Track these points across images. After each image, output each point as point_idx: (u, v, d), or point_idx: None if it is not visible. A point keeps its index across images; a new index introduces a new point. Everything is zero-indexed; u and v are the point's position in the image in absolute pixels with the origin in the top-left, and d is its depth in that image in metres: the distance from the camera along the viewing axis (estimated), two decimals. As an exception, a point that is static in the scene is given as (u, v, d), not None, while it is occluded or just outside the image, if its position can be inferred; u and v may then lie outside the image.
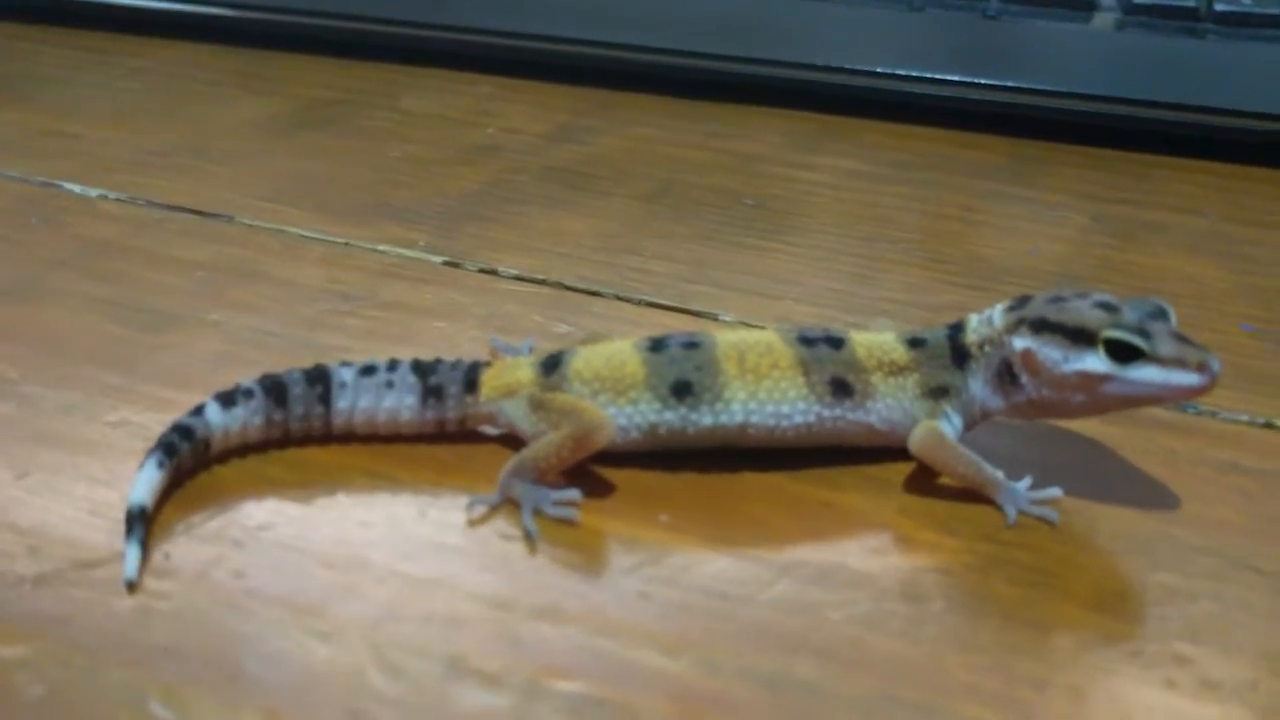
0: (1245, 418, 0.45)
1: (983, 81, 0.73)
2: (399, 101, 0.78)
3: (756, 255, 0.58)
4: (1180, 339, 0.38)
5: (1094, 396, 0.39)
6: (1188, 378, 0.38)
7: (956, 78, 0.74)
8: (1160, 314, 0.39)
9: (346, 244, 0.58)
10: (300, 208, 0.61)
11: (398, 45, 0.82)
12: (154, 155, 0.68)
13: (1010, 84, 0.73)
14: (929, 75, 0.74)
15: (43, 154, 0.67)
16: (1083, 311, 0.39)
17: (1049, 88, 0.72)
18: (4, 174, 0.64)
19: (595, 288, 0.54)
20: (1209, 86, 0.70)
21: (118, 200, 0.62)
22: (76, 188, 0.63)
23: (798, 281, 0.55)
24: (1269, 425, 0.45)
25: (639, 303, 0.53)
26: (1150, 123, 0.71)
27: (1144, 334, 0.38)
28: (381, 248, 0.57)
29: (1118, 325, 0.38)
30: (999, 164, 0.70)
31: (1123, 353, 0.38)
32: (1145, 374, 0.38)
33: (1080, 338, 0.39)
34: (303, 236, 0.58)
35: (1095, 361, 0.39)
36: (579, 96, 0.79)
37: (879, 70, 0.74)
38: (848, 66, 0.75)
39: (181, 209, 0.61)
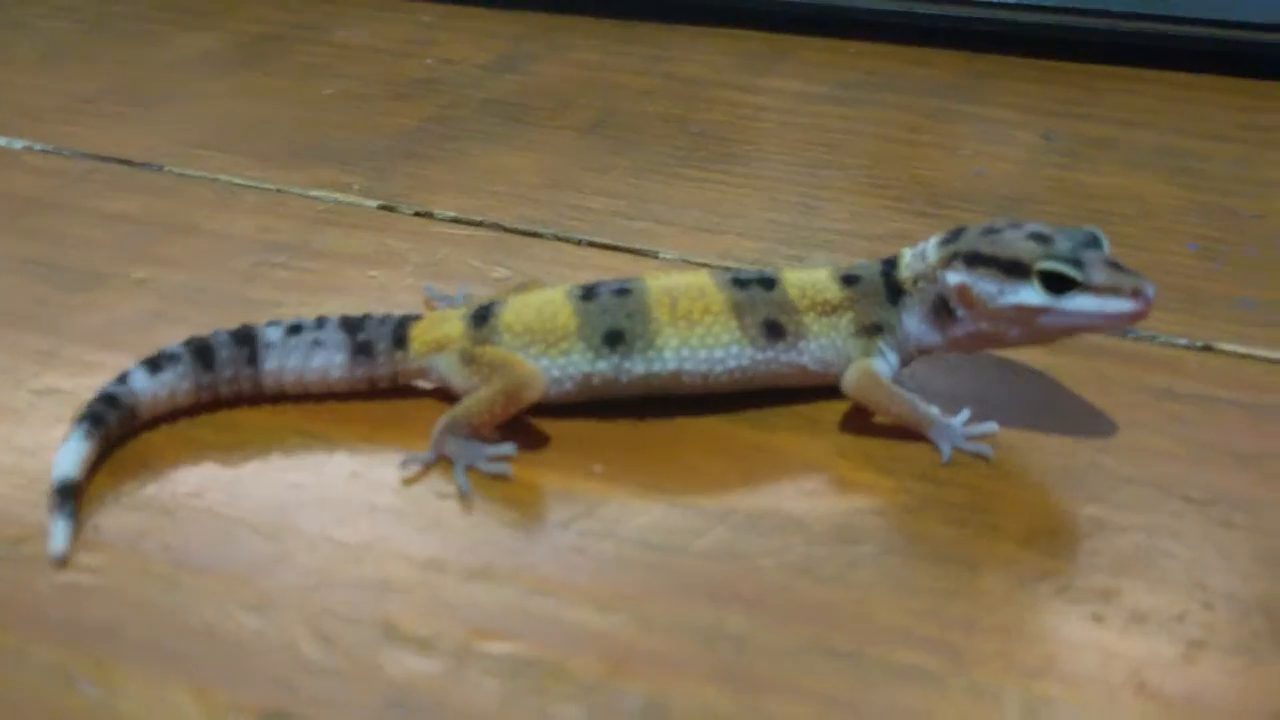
0: (1183, 341, 0.45)
1: (932, -7, 0.72)
2: (334, 34, 0.76)
3: (699, 187, 0.57)
4: (1114, 266, 0.38)
5: (1031, 328, 0.39)
6: (1123, 305, 0.37)
7: (905, -9, 0.72)
8: (1093, 242, 0.39)
9: (279, 190, 0.56)
10: (232, 153, 0.60)
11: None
12: (82, 101, 0.66)
13: (960, -5, 0.71)
14: (876, -11, 0.72)
15: (-37, 103, 0.65)
16: (1016, 243, 0.39)
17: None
18: (-77, 127, 0.62)
19: (534, 228, 0.53)
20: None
21: (43, 151, 0.60)
22: (1, 140, 0.61)
23: (741, 214, 0.55)
24: (1207, 348, 0.45)
25: (578, 242, 0.52)
26: (1103, 33, 0.70)
27: (1077, 264, 0.38)
28: (315, 193, 0.56)
29: (1051, 256, 0.38)
30: (948, 80, 0.69)
31: (1057, 284, 0.38)
32: (1080, 304, 0.38)
33: (1014, 270, 0.38)
34: (234, 184, 0.57)
35: (1030, 294, 0.38)
36: (520, 21, 0.77)
37: (825, -15, 0.73)
38: (794, -18, 0.73)
39: (110, 159, 0.59)
